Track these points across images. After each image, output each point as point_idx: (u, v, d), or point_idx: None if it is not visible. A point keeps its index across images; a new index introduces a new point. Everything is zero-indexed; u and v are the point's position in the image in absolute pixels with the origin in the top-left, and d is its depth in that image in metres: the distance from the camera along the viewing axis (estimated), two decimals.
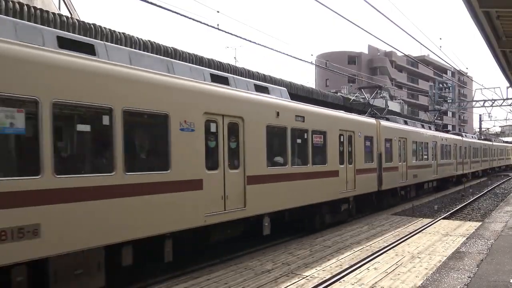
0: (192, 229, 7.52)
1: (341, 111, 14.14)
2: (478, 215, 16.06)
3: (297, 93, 20.30)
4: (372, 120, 15.73)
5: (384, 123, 16.59)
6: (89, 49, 6.45)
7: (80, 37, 6.89)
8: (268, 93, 10.28)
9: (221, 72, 9.70)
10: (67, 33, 6.75)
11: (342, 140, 12.90)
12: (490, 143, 42.61)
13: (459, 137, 29.30)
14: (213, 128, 8.11)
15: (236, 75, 16.40)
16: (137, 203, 6.50)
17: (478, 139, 39.70)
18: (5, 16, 6.54)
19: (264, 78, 17.85)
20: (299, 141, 10.81)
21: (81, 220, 5.76)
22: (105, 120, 6.23)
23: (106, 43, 7.01)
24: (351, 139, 13.48)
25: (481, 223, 12.00)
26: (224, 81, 8.95)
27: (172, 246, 7.26)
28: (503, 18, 8.85)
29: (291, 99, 11.33)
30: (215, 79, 8.74)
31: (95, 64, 6.17)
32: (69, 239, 5.64)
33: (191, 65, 8.83)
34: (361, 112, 19.00)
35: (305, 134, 11.01)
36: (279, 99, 10.44)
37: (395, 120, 18.84)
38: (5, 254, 4.95)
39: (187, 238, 7.64)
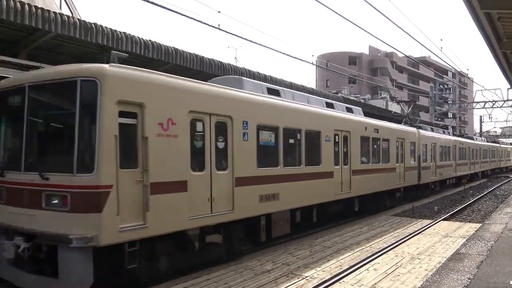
0: (324, 202, 11.86)
1: (384, 121, 18.15)
2: (478, 216, 16.05)
3: None
4: (414, 130, 20.19)
5: (422, 131, 20.93)
6: (277, 93, 10.76)
7: (273, 86, 11.64)
8: (352, 112, 14.63)
9: (329, 100, 14.43)
10: (270, 85, 11.53)
11: (397, 145, 17.34)
12: (498, 145, 46.37)
13: (472, 141, 33.64)
14: (337, 139, 12.57)
15: (237, 75, 16.44)
16: (307, 185, 10.81)
17: (487, 142, 43.87)
18: (245, 78, 10.75)
19: (265, 78, 17.85)
20: (375, 146, 15.27)
21: (288, 192, 10.05)
22: (298, 136, 10.77)
23: (284, 89, 11.64)
24: (403, 144, 17.94)
25: (481, 224, 12.00)
26: (331, 106, 13.32)
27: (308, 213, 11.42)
28: (504, 19, 8.86)
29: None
30: (328, 105, 13.11)
31: (295, 105, 10.99)
32: (284, 203, 9.96)
33: (316, 97, 13.64)
34: (397, 121, 22.83)
35: (378, 141, 15.56)
36: (364, 118, 15.25)
37: (425, 128, 23.09)
38: (270, 207, 9.53)
39: (321, 208, 11.87)
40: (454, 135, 30.64)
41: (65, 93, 6.61)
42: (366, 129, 14.54)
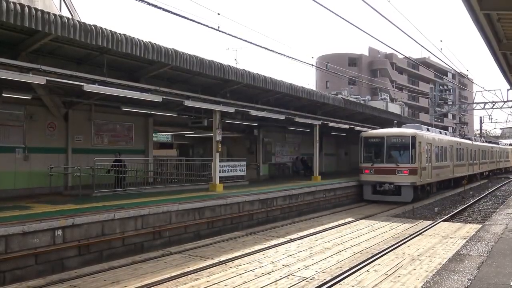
0: (446, 179, 25.85)
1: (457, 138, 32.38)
2: (478, 217, 16.05)
3: (297, 94, 20.27)
4: (470, 141, 33.62)
5: (474, 142, 34.47)
6: (428, 129, 25.19)
7: (426, 127, 25.93)
8: (446, 134, 27.80)
9: (438, 130, 27.62)
10: (425, 126, 27.05)
11: (465, 151, 30.52)
12: None
13: (497, 145, 46.95)
14: (450, 149, 26.14)
15: (237, 76, 16.45)
16: (443, 170, 24.94)
17: (509, 145, 57.89)
18: (422, 125, 25.92)
19: (265, 80, 17.84)
20: (459, 152, 28.05)
21: (440, 173, 24.10)
22: (442, 148, 24.72)
23: (430, 127, 27.63)
24: (467, 150, 30.99)
25: (481, 225, 11.97)
26: (440, 132, 26.96)
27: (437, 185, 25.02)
28: (504, 20, 8.86)
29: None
30: (440, 132, 26.85)
31: (440, 135, 26.21)
32: (438, 177, 23.98)
33: (435, 128, 28.35)
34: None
35: (461, 150, 28.90)
36: (455, 137, 29.98)
37: (470, 138, 36.55)
38: (436, 178, 23.53)
39: (445, 183, 26.18)
40: (486, 141, 43.86)
41: (405, 139, 20.64)
42: (457, 143, 28.19)
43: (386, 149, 20.90)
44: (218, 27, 13.40)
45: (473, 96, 47.15)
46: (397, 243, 10.18)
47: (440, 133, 26.65)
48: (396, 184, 20.12)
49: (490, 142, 45.52)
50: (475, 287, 5.81)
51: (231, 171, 19.17)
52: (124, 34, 12.30)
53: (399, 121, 26.86)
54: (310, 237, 11.23)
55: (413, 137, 20.46)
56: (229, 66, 16.21)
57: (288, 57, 37.27)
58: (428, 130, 24.32)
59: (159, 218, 11.36)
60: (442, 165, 24.38)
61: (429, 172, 21.80)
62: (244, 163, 20.23)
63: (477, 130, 63.77)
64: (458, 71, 36.00)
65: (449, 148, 25.76)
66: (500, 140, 58.93)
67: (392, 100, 53.29)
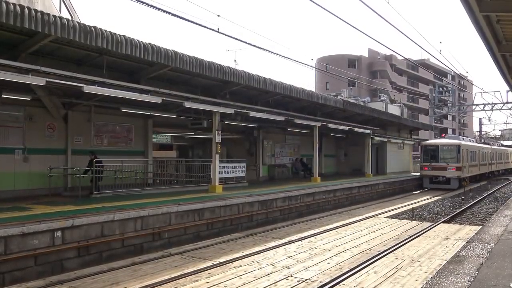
0: (475, 174, 33.65)
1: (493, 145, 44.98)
2: (478, 219, 16.03)
3: (297, 95, 20.29)
4: (489, 145, 41.16)
5: (491, 146, 41.85)
6: (462, 139, 34.12)
7: (463, 137, 37.80)
8: (489, 144, 42.83)
9: (468, 138, 41.27)
10: (462, 136, 41.17)
11: (488, 153, 38.90)
12: None
13: (511, 148, 54.63)
14: (481, 153, 36.07)
15: (236, 78, 16.48)
16: (475, 168, 33.47)
17: None
18: (460, 136, 39.16)
19: (265, 81, 17.85)
20: (487, 154, 38.14)
21: (472, 169, 32.35)
22: (473, 152, 32.81)
23: (465, 137, 39.42)
24: (488, 152, 39.11)
25: (481, 227, 11.95)
26: (466, 140, 35.09)
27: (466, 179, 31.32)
28: (503, 22, 8.88)
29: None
30: (468, 140, 35.67)
31: (470, 142, 35.25)
32: (472, 172, 31.95)
33: (464, 137, 41.93)
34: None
35: (488, 152, 38.65)
36: (484, 144, 41.42)
37: (488, 143, 44.74)
38: (469, 173, 31.12)
39: (474, 177, 33.17)
40: (502, 145, 52.42)
41: (453, 147, 29.16)
42: (481, 148, 35.15)
43: (440, 153, 29.33)
44: (218, 28, 13.45)
45: (472, 97, 47.24)
46: (396, 244, 10.17)
47: (470, 140, 35.92)
48: (447, 177, 28.65)
49: (504, 146, 53.73)
50: None
51: (230, 172, 19.15)
52: (124, 36, 12.32)
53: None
54: (309, 238, 11.23)
55: (459, 146, 29.11)
56: (229, 67, 16.23)
57: (288, 58, 37.41)
58: (463, 139, 33.63)
59: (158, 219, 11.35)
60: (473, 164, 32.73)
61: (467, 169, 30.29)
62: (244, 164, 20.21)
63: (477, 131, 64.71)
64: (458, 72, 36.10)
65: (477, 152, 34.10)
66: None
67: (392, 101, 53.35)
